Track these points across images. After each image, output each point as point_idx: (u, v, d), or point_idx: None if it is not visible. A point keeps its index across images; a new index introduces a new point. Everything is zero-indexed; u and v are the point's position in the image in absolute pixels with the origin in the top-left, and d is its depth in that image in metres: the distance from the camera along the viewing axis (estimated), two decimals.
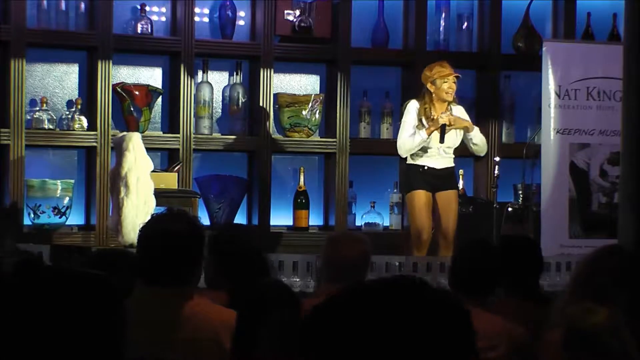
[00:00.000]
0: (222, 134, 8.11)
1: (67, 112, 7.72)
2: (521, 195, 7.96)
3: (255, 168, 8.07)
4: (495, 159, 7.67)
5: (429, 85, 7.04)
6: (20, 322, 1.79)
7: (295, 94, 8.27)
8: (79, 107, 7.69)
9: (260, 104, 8.01)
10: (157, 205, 6.87)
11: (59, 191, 7.52)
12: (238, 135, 8.07)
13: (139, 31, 7.88)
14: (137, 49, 7.92)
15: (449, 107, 7.05)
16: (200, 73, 8.05)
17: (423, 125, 6.98)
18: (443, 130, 6.95)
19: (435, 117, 6.96)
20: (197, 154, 7.95)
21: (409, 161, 7.12)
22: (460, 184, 8.38)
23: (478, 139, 7.18)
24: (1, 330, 1.80)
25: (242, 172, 8.25)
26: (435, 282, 6.47)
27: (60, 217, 7.53)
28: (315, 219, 8.28)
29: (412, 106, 7.10)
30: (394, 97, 8.46)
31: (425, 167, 7.04)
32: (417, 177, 7.03)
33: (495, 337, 3.58)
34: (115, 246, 6.83)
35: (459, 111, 7.20)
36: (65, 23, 7.72)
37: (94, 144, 7.63)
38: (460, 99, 8.52)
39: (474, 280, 3.84)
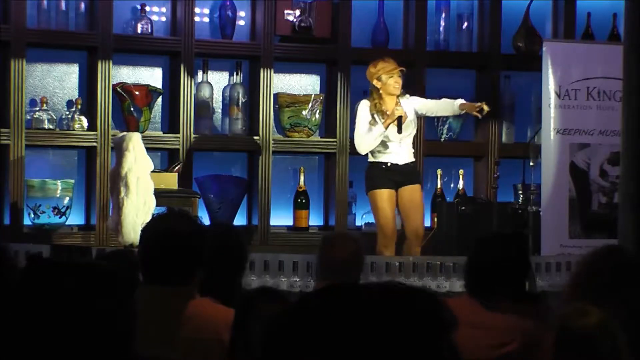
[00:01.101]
0: (222, 134, 8.11)
1: (67, 112, 7.72)
2: (521, 196, 7.96)
3: (255, 168, 8.07)
4: (495, 159, 7.68)
5: (375, 82, 7.04)
6: (32, 314, 1.81)
7: (295, 94, 8.27)
8: (79, 107, 7.69)
9: (260, 104, 8.01)
10: (157, 205, 6.87)
11: (59, 191, 7.53)
12: (238, 135, 8.07)
13: (139, 31, 7.88)
14: (137, 49, 7.92)
15: (398, 100, 7.04)
16: (200, 73, 8.05)
17: (376, 121, 6.98)
18: (400, 121, 6.95)
19: (390, 112, 6.95)
20: (197, 154, 7.95)
21: (372, 159, 7.09)
22: (461, 184, 8.39)
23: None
24: (15, 324, 1.81)
25: (242, 172, 8.25)
26: (435, 282, 6.48)
27: (60, 217, 7.53)
28: (315, 219, 8.28)
29: (363, 105, 7.11)
30: None
31: (389, 164, 7.03)
32: (380, 174, 7.01)
33: (507, 333, 3.59)
34: (116, 246, 6.83)
35: (412, 100, 7.17)
36: (65, 23, 7.72)
37: (94, 144, 7.63)
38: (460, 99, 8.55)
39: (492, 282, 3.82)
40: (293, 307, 1.54)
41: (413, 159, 7.16)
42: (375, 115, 6.99)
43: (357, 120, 7.12)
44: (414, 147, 7.19)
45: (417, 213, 7.05)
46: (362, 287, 1.55)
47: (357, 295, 1.52)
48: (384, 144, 7.01)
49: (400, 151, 7.05)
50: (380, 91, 7.02)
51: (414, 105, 7.15)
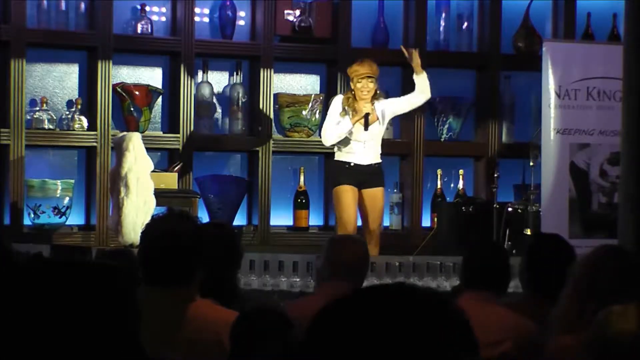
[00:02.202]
0: (222, 134, 8.11)
1: (67, 112, 7.72)
2: (521, 196, 7.96)
3: (255, 168, 8.07)
4: (495, 159, 7.68)
5: (351, 82, 7.03)
6: (38, 312, 1.81)
7: (295, 94, 8.27)
8: (79, 107, 7.69)
9: (260, 104, 8.01)
10: (157, 205, 6.87)
11: (59, 191, 7.53)
12: (238, 135, 8.07)
13: (139, 31, 7.88)
14: (137, 49, 7.93)
15: (372, 102, 6.98)
16: (200, 73, 8.05)
17: (346, 113, 6.94)
18: (367, 119, 6.90)
19: (358, 110, 6.92)
20: (197, 154, 7.95)
21: (336, 157, 7.06)
22: (461, 184, 8.39)
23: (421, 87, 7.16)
24: (20, 323, 1.82)
25: (242, 172, 8.25)
26: (435, 282, 6.48)
27: (60, 217, 7.54)
28: (315, 219, 8.28)
29: (337, 99, 7.08)
30: (394, 97, 8.45)
31: (352, 164, 6.99)
32: (343, 172, 6.98)
33: (502, 331, 3.59)
34: (116, 246, 6.83)
35: (387, 103, 7.11)
36: (65, 23, 7.72)
37: (94, 144, 7.63)
38: (460, 99, 8.55)
39: (488, 279, 3.88)
40: (337, 306, 1.53)
41: (378, 161, 7.08)
42: (347, 108, 6.95)
43: (328, 112, 7.12)
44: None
45: (376, 215, 7.01)
46: (403, 289, 1.54)
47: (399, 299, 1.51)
48: (348, 143, 6.99)
49: (364, 152, 6.99)
50: (354, 91, 7.01)
51: (390, 108, 7.08)
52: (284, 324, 3.03)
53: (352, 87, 6.99)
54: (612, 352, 2.53)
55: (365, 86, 6.93)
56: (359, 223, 7.05)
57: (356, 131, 6.96)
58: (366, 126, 6.91)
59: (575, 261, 3.43)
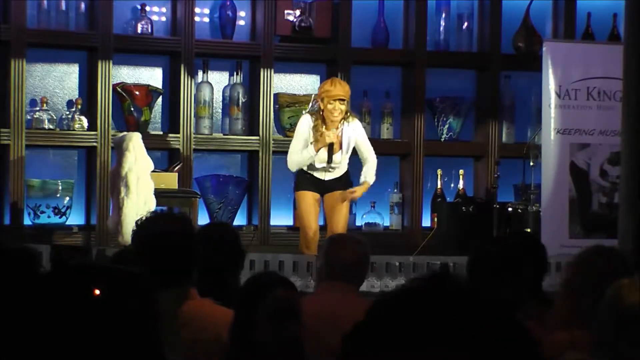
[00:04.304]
0: (222, 134, 8.12)
1: (67, 112, 7.73)
2: (521, 196, 7.96)
3: (255, 168, 8.07)
4: (495, 159, 7.68)
5: (320, 101, 6.92)
6: (58, 317, 1.81)
7: (295, 94, 8.27)
8: (79, 107, 7.69)
9: (260, 104, 8.01)
10: (157, 205, 6.87)
11: (59, 191, 7.53)
12: (238, 135, 8.07)
13: (139, 31, 7.88)
14: (137, 49, 7.93)
15: (341, 123, 6.86)
16: (200, 73, 8.05)
17: (312, 139, 6.84)
18: (330, 150, 6.81)
19: (322, 133, 6.81)
20: (197, 154, 7.95)
21: None
22: (461, 184, 8.39)
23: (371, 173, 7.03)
24: (41, 326, 1.82)
25: (242, 172, 8.26)
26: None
27: (60, 217, 7.54)
28: None
29: (305, 120, 6.94)
30: (394, 97, 8.47)
31: (314, 175, 6.92)
32: (305, 179, 6.93)
33: None
34: (115, 246, 6.83)
35: (357, 128, 6.98)
36: (65, 23, 7.72)
37: (94, 144, 7.63)
38: (460, 99, 8.55)
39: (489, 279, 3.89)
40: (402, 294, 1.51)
41: (340, 174, 6.95)
42: (312, 134, 6.83)
43: (294, 135, 7.05)
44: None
45: (337, 218, 6.92)
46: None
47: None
48: (311, 164, 6.90)
49: (328, 174, 6.93)
50: (323, 112, 6.89)
51: (355, 135, 6.94)
52: (286, 283, 3.18)
53: (322, 106, 6.85)
54: (626, 322, 2.61)
55: (336, 108, 6.79)
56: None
57: (319, 159, 6.86)
58: (330, 158, 6.80)
59: (567, 262, 3.50)
